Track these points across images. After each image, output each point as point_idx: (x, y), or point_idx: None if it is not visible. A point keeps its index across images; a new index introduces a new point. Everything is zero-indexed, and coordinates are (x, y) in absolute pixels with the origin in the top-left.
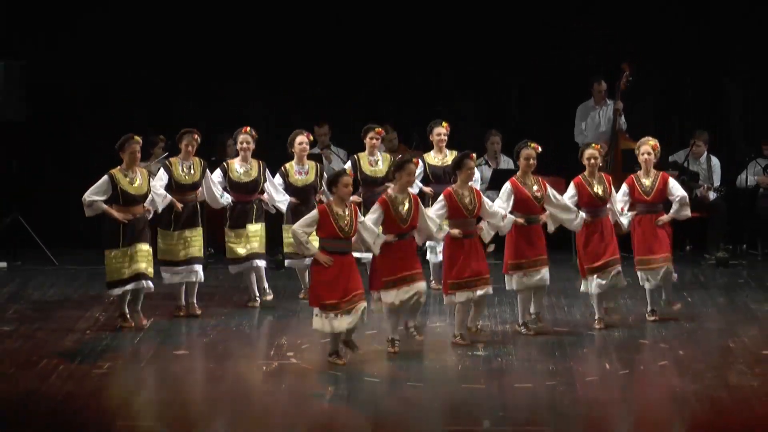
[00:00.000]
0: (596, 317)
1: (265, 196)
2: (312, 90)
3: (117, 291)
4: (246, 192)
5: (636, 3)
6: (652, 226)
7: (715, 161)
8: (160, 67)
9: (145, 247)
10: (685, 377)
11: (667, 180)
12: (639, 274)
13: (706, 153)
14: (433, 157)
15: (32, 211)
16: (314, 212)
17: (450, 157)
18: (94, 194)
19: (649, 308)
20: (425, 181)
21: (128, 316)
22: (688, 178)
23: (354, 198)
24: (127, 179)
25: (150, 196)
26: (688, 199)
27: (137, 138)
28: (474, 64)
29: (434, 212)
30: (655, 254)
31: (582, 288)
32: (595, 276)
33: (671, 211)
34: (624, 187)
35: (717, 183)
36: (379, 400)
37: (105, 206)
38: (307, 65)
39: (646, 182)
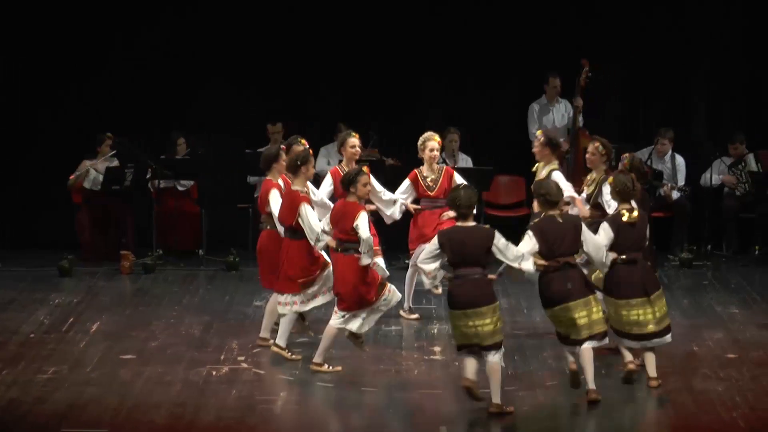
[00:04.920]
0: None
1: None
2: (269, 86)
3: None
4: None
5: None
6: (433, 220)
7: (679, 160)
8: (132, 64)
9: None
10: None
11: (452, 175)
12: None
13: (670, 151)
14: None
15: None
16: None
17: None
18: None
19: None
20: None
21: None
22: (652, 176)
23: None
24: None
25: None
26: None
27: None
28: (436, 63)
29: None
30: (423, 242)
31: None
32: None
33: None
34: (406, 182)
35: (681, 182)
36: (333, 406)
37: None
38: (270, 60)
39: (430, 177)
